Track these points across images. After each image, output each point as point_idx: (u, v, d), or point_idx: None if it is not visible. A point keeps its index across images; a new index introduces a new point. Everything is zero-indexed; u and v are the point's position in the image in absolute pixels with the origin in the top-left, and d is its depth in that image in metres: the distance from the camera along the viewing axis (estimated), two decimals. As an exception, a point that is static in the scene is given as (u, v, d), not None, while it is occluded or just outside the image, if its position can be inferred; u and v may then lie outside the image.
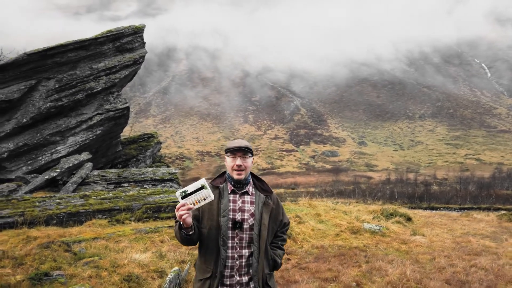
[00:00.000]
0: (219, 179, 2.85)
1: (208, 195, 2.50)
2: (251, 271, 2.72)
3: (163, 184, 13.72)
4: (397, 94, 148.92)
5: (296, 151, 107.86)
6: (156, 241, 7.89)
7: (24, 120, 13.27)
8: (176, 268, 5.41)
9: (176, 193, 2.53)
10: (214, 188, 2.77)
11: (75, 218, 9.42)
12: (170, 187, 13.60)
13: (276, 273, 6.22)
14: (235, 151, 2.73)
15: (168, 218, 10.03)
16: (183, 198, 2.49)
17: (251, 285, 2.71)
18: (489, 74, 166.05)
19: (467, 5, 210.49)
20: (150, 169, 14.32)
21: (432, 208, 33.66)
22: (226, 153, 2.79)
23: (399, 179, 67.93)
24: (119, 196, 10.51)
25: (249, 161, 2.77)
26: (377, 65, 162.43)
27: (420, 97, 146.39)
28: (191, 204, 2.48)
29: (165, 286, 4.79)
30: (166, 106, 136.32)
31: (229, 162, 2.76)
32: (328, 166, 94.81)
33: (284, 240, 3.04)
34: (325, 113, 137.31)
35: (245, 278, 2.71)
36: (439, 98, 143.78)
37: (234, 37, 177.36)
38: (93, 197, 10.38)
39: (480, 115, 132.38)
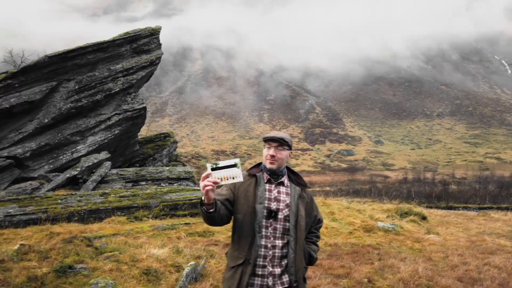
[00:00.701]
0: (255, 169, 2.85)
1: (238, 175, 2.43)
2: (283, 262, 2.67)
3: (179, 183, 14.00)
4: (414, 92, 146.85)
5: (312, 150, 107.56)
6: (173, 238, 8.13)
7: (46, 120, 13.73)
8: (192, 262, 5.61)
9: (207, 164, 2.47)
10: (251, 176, 2.79)
11: (95, 215, 9.75)
12: (186, 185, 13.87)
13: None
14: (270, 141, 2.76)
15: (184, 215, 10.28)
16: (213, 170, 2.42)
17: (284, 278, 2.66)
18: (509, 71, 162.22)
19: (486, 0, 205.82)
20: (167, 168, 14.62)
21: (450, 208, 33.24)
22: (264, 142, 2.82)
23: (417, 178, 67.14)
24: (137, 194, 10.81)
25: (284, 153, 2.76)
26: (393, 63, 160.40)
27: (438, 95, 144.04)
28: (218, 178, 2.41)
29: (182, 280, 4.99)
30: (182, 106, 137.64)
31: (265, 151, 2.79)
32: (343, 165, 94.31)
33: (318, 237, 3.01)
34: (340, 112, 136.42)
35: (277, 270, 2.65)
36: (457, 96, 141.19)
37: (248, 36, 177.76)
38: (112, 195, 10.71)
39: (500, 113, 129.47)
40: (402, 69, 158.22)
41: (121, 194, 10.88)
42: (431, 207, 31.80)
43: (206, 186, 2.39)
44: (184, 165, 19.83)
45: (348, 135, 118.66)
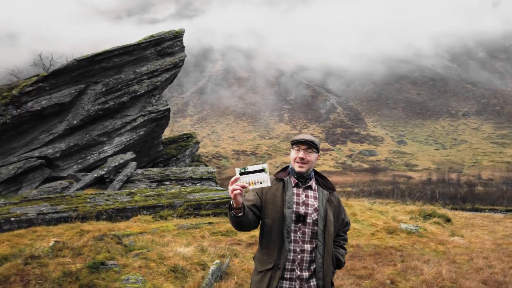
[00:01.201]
0: (282, 173, 2.86)
1: (266, 179, 2.47)
2: (312, 267, 2.69)
3: (202, 183, 14.26)
4: (439, 91, 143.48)
5: (333, 150, 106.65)
6: (197, 237, 8.35)
7: (75, 122, 14.23)
8: (217, 261, 5.78)
9: (236, 168, 2.51)
10: (278, 180, 2.79)
11: (122, 213, 10.08)
12: (209, 185, 14.11)
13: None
14: (299, 143, 2.76)
15: (208, 215, 10.50)
16: (241, 174, 2.47)
17: (312, 282, 2.68)
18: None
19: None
20: (190, 168, 14.90)
21: (476, 210, 32.44)
22: (292, 145, 2.82)
23: (441, 179, 65.74)
24: (162, 194, 11.10)
25: (313, 156, 2.77)
26: (417, 62, 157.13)
27: (464, 94, 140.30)
28: (246, 183, 2.45)
29: (208, 277, 5.16)
30: (203, 106, 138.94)
31: (293, 154, 2.79)
32: (365, 166, 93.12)
33: (346, 240, 3.01)
34: (362, 112, 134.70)
35: (305, 274, 2.67)
36: (484, 95, 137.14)
37: (269, 36, 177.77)
38: (138, 195, 11.04)
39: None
40: (426, 68, 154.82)
41: (147, 193, 11.19)
42: (456, 209, 31.12)
43: (234, 190, 2.42)
44: (206, 165, 20.13)
45: (370, 135, 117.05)
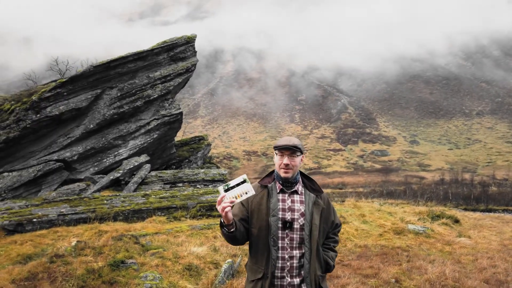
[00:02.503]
0: (267, 178, 2.82)
1: (250, 189, 2.53)
2: (302, 272, 2.67)
3: (214, 184, 14.62)
4: (452, 90, 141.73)
5: (344, 150, 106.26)
6: (209, 237, 8.69)
7: (91, 126, 14.74)
8: (229, 260, 6.11)
9: (219, 187, 2.57)
10: (263, 187, 2.77)
11: (138, 214, 10.49)
12: (221, 187, 14.46)
13: (320, 269, 6.72)
14: (283, 149, 2.71)
15: (219, 216, 10.83)
16: (225, 191, 2.53)
17: (303, 287, 2.67)
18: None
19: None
20: (202, 170, 15.29)
21: (489, 210, 32.19)
22: (275, 150, 2.76)
23: (454, 179, 65.06)
24: (176, 195, 11.49)
25: (297, 160, 2.72)
26: (430, 60, 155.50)
27: (478, 92, 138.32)
28: (233, 197, 2.50)
29: (221, 275, 5.50)
30: (214, 107, 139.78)
31: (277, 160, 2.74)
32: (377, 166, 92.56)
33: (336, 242, 2.97)
34: (374, 111, 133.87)
35: (296, 280, 2.66)
36: (499, 94, 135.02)
37: (279, 37, 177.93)
38: (152, 196, 11.44)
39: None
40: (440, 67, 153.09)
41: (161, 195, 11.59)
42: (469, 210, 30.94)
43: (224, 208, 2.46)
44: (218, 167, 20.52)
45: (382, 135, 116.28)
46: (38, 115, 13.76)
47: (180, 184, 14.34)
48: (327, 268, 2.83)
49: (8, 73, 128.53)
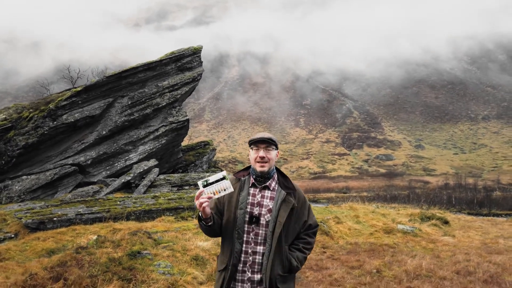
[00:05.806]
0: (243, 172, 2.82)
1: (228, 186, 2.54)
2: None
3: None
4: (458, 94, 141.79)
5: (349, 154, 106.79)
6: (214, 234, 9.55)
7: (104, 132, 15.73)
8: (230, 252, 6.98)
9: (198, 181, 2.58)
10: (236, 180, 2.75)
11: (148, 214, 11.41)
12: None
13: (312, 261, 7.57)
14: (258, 143, 2.70)
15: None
16: (204, 187, 2.55)
17: (263, 285, 2.61)
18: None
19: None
20: (207, 174, 16.19)
21: (493, 215, 32.67)
22: (249, 145, 2.74)
23: (458, 184, 65.33)
24: (183, 197, 12.39)
25: (273, 153, 2.71)
26: (435, 65, 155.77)
27: (484, 97, 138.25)
28: (211, 193, 2.52)
29: (223, 264, 6.37)
30: (219, 111, 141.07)
31: (253, 154, 2.72)
32: (382, 170, 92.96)
33: (308, 243, 2.80)
34: (379, 116, 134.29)
35: (257, 276, 2.62)
36: (505, 98, 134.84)
37: (284, 42, 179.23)
38: (161, 198, 12.36)
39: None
40: (445, 71, 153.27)
41: (169, 197, 12.51)
42: (472, 214, 31.44)
43: (202, 203, 2.50)
44: (222, 171, 21.40)
45: (387, 139, 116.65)
46: (55, 122, 14.77)
47: (187, 187, 15.25)
48: (290, 268, 2.69)
49: (17, 78, 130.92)
